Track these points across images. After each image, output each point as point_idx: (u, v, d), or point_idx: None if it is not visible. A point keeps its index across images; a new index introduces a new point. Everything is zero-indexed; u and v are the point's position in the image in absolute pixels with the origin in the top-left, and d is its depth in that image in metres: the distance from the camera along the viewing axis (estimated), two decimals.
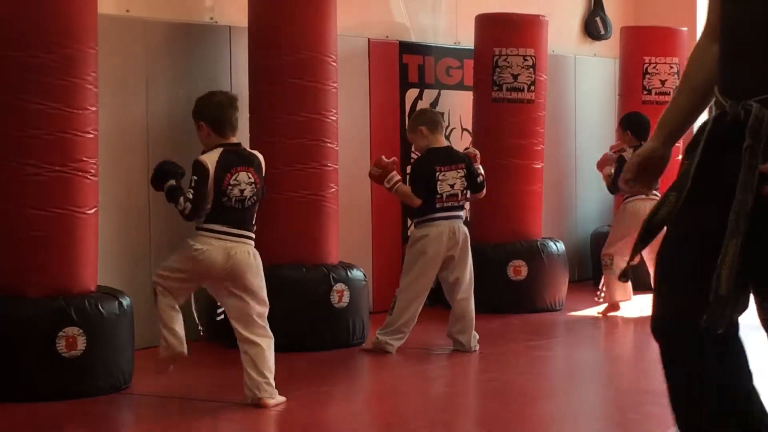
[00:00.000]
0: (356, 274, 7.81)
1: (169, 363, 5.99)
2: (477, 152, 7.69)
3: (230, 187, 5.75)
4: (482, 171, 7.55)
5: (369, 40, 9.31)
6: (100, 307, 6.19)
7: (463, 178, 7.42)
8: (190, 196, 5.67)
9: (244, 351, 5.85)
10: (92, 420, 5.84)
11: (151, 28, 7.80)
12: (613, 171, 8.72)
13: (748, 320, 3.04)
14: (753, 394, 2.98)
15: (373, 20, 9.49)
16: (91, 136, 6.32)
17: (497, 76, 9.39)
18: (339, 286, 7.63)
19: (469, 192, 7.49)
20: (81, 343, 6.10)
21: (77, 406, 5.99)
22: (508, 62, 9.37)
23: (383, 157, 7.53)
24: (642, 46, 10.93)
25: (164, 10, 7.94)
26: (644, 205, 8.52)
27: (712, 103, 3.00)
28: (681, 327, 2.91)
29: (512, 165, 9.39)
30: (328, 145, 7.79)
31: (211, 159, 5.73)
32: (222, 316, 6.02)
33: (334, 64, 7.82)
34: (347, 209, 8.61)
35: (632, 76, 10.96)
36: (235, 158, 5.80)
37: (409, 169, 8.25)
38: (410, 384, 6.94)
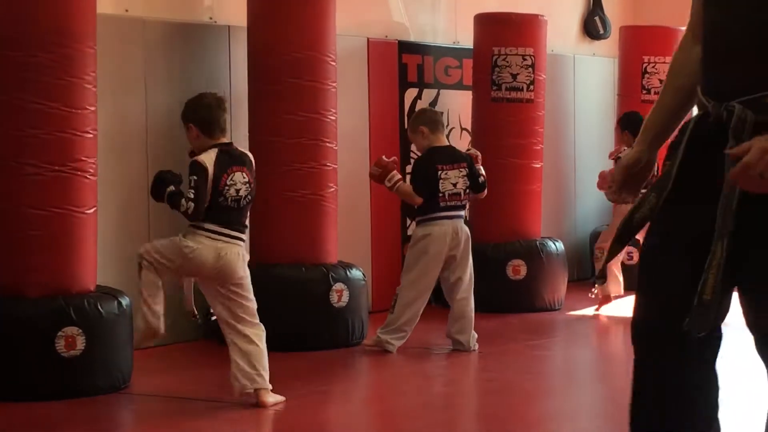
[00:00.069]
0: (355, 273, 7.80)
1: (147, 340, 5.95)
2: (478, 153, 7.69)
3: (227, 187, 5.77)
4: (483, 172, 7.56)
5: (368, 39, 9.31)
6: (99, 307, 6.19)
7: (466, 178, 7.42)
8: (192, 196, 5.68)
9: (236, 344, 5.84)
10: (91, 420, 5.83)
11: (150, 27, 7.80)
12: None
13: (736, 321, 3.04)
14: (715, 424, 2.97)
15: (373, 20, 9.49)
16: (90, 135, 6.32)
17: (496, 75, 9.39)
18: (338, 286, 7.63)
19: (470, 192, 7.49)
20: (80, 343, 6.10)
21: (76, 406, 5.99)
22: (508, 62, 9.37)
23: (383, 156, 7.54)
24: (641, 45, 10.93)
25: (163, 9, 7.95)
26: None
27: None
28: (663, 328, 2.90)
29: (511, 164, 9.39)
30: (327, 144, 7.79)
31: (208, 159, 5.75)
32: (215, 317, 6.03)
33: (333, 63, 7.82)
34: (346, 209, 8.61)
35: (631, 76, 10.96)
36: (230, 158, 5.83)
37: (409, 168, 8.25)
38: (410, 383, 6.94)
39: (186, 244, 5.76)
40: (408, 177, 7.81)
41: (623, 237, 3.05)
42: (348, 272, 7.75)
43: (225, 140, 5.88)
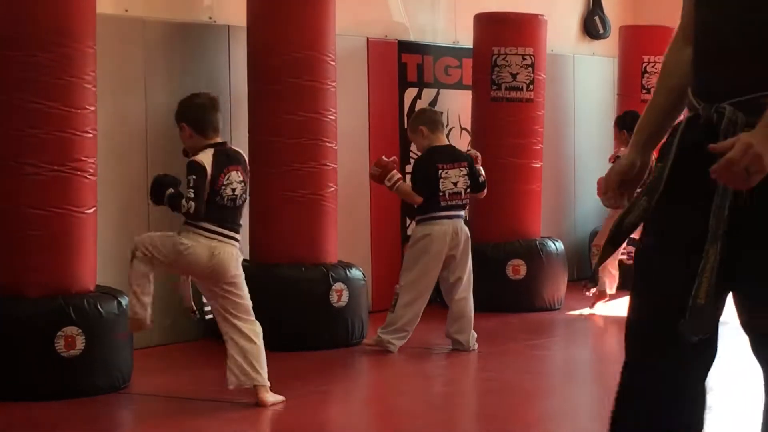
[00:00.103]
0: (355, 273, 7.80)
1: (133, 329, 5.93)
2: (478, 154, 7.69)
3: (223, 187, 5.79)
4: (483, 172, 7.56)
5: (368, 39, 9.30)
6: (99, 307, 6.19)
7: (466, 177, 7.43)
8: (192, 195, 5.68)
9: (233, 339, 5.84)
10: (91, 419, 5.83)
11: (150, 27, 7.80)
12: None
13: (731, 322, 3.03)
14: None
15: (372, 19, 9.49)
16: (90, 135, 6.32)
17: (496, 75, 9.39)
18: (338, 286, 7.63)
19: (470, 191, 7.49)
20: (80, 343, 6.09)
21: (76, 406, 5.98)
22: (507, 61, 9.36)
23: (383, 156, 7.54)
24: (641, 45, 10.93)
25: (163, 9, 7.94)
26: None
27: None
28: (657, 328, 2.88)
29: (511, 164, 9.39)
30: (327, 144, 7.79)
31: (206, 159, 5.75)
32: (211, 315, 6.03)
33: (333, 63, 7.82)
34: (346, 208, 8.61)
35: (631, 76, 10.96)
36: (226, 158, 5.85)
37: (409, 168, 8.25)
38: (409, 383, 6.94)
39: (181, 241, 5.77)
40: (408, 176, 7.80)
41: (615, 240, 3.02)
42: (348, 272, 7.75)
43: (219, 140, 5.88)
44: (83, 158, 6.26)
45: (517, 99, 9.41)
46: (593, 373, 7.47)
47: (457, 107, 9.96)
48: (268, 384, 5.88)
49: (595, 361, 7.88)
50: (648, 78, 10.84)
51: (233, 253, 5.83)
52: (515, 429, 5.68)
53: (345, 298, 7.64)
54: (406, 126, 8.71)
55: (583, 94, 11.47)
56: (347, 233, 8.61)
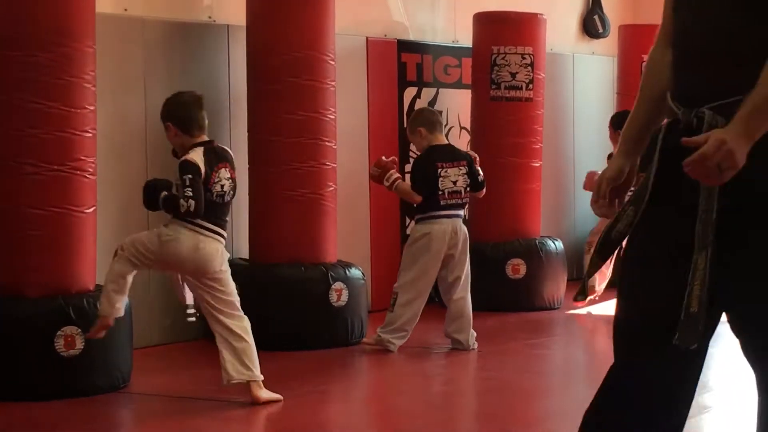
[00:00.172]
0: (355, 272, 7.81)
1: (99, 331, 5.90)
2: (476, 155, 7.70)
3: (214, 184, 5.80)
4: (481, 173, 7.57)
5: (367, 38, 9.30)
6: (98, 307, 6.18)
7: (466, 176, 7.43)
8: (190, 194, 5.67)
9: (222, 336, 5.86)
10: (91, 419, 5.84)
11: (149, 26, 7.80)
12: None
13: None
14: None
15: (372, 19, 9.49)
16: (89, 135, 6.32)
17: (495, 74, 9.39)
18: (337, 285, 7.63)
19: (470, 190, 7.50)
20: (80, 343, 6.10)
21: (76, 406, 5.99)
22: (507, 60, 9.37)
23: (383, 157, 7.54)
24: (640, 44, 10.91)
25: (162, 9, 7.94)
26: None
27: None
28: (645, 328, 2.87)
29: (510, 163, 9.39)
30: (327, 143, 7.80)
31: (198, 157, 5.76)
32: (193, 318, 6.04)
33: (333, 62, 7.82)
34: (346, 208, 8.61)
35: (631, 75, 10.96)
36: (216, 156, 5.87)
37: (409, 167, 8.25)
38: (409, 382, 6.94)
39: (166, 232, 5.78)
40: (408, 176, 7.81)
41: (603, 252, 2.99)
42: (347, 271, 7.75)
43: (205, 138, 5.88)
44: (83, 158, 6.26)
45: (516, 98, 9.41)
46: (593, 373, 7.46)
47: (456, 106, 9.96)
48: (260, 379, 5.88)
49: (594, 361, 7.88)
50: None
51: (218, 248, 5.83)
52: (515, 428, 5.69)
53: (344, 297, 7.65)
54: (405, 125, 8.71)
55: (583, 94, 11.47)
56: (347, 233, 8.61)
